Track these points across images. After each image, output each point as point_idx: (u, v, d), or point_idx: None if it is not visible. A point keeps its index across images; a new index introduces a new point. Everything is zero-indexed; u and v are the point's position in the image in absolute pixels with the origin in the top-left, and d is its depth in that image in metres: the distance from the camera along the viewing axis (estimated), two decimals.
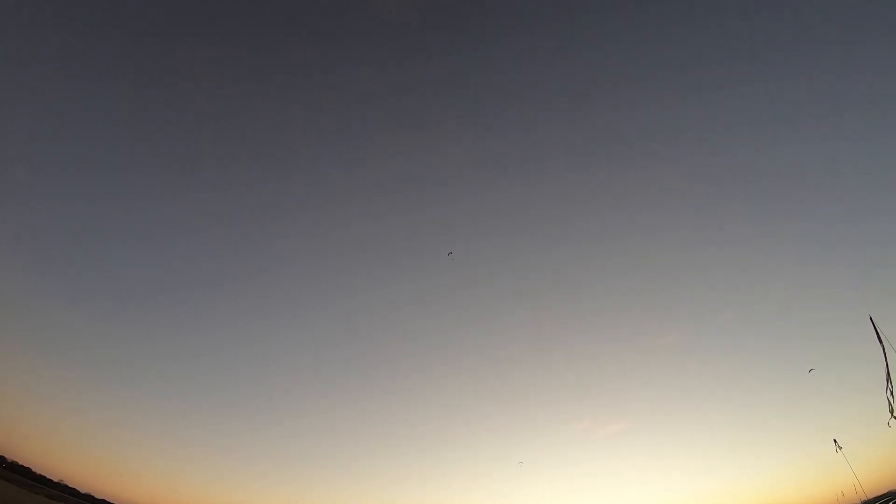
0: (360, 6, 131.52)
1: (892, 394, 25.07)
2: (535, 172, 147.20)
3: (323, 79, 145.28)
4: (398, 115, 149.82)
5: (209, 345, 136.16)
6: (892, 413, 26.07)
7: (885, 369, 24.63)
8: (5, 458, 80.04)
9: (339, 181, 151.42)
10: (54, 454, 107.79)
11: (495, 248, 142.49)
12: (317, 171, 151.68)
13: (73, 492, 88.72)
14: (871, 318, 28.93)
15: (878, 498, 62.95)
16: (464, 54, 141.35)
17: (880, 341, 25.33)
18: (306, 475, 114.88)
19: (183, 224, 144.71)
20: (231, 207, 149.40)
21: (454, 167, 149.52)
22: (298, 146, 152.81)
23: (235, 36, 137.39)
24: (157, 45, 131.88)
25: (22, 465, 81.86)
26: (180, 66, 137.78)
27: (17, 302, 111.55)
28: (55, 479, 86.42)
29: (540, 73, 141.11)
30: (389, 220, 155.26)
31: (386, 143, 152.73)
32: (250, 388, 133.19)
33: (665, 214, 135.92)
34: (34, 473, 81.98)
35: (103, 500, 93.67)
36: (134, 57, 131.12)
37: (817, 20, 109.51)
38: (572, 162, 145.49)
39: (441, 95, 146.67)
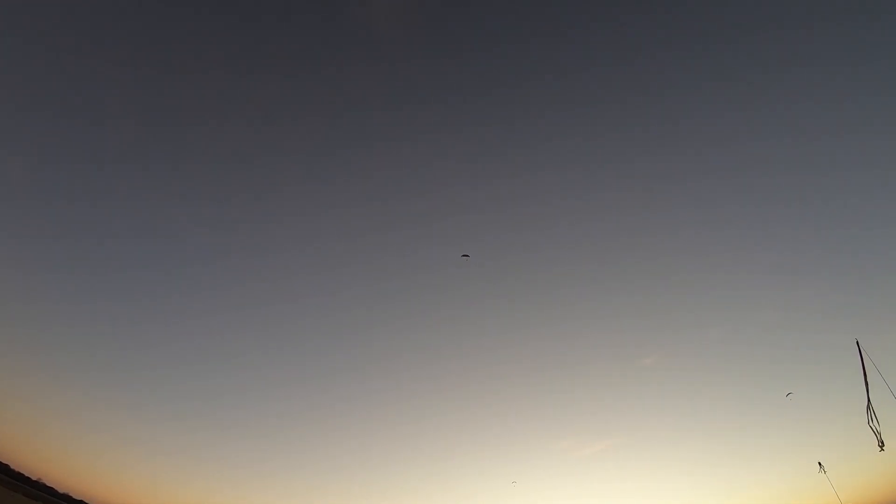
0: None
1: (875, 422, 25.14)
2: (513, 191, 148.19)
3: (321, 79, 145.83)
4: (395, 116, 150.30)
5: (198, 343, 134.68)
6: (879, 442, 26.15)
7: (866, 397, 24.79)
8: None
9: (337, 180, 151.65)
10: (34, 452, 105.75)
11: (480, 267, 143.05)
12: (315, 170, 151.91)
13: (51, 491, 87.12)
14: (857, 342, 29.20)
15: None
16: (465, 56, 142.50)
17: (863, 367, 25.57)
18: (281, 493, 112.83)
19: (178, 222, 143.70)
20: (227, 207, 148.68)
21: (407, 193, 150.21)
22: (296, 146, 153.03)
23: (234, 35, 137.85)
24: (156, 42, 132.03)
25: (1, 462, 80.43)
26: (181, 64, 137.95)
27: None
28: (34, 478, 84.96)
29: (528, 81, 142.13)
30: (379, 229, 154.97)
31: (389, 145, 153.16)
32: (238, 390, 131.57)
33: (650, 234, 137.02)
34: (13, 471, 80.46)
35: (81, 501, 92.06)
36: (131, 54, 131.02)
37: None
38: (551, 181, 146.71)
39: (439, 99, 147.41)
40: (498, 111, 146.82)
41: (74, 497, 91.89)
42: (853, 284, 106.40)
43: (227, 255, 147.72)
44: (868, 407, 24.79)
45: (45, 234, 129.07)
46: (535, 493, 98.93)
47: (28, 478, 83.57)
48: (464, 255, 74.26)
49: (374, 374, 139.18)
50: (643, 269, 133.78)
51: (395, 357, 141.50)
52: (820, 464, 45.43)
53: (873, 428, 25.51)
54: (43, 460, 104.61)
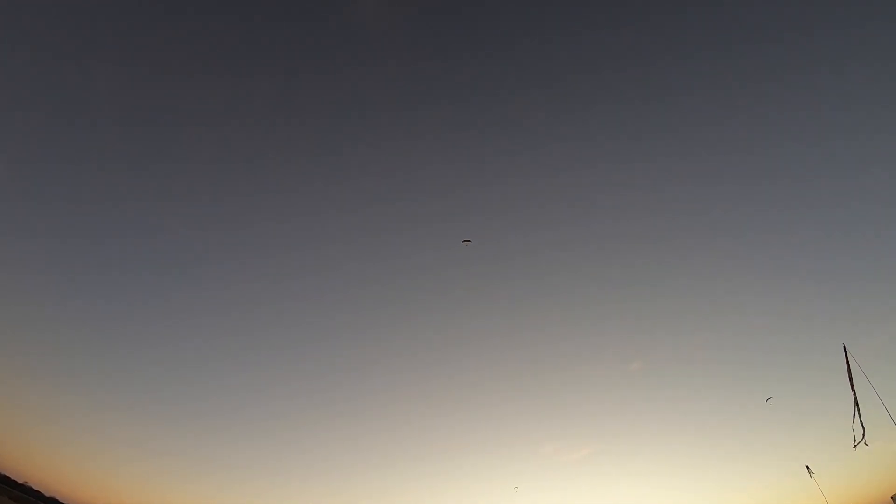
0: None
1: (860, 423, 25.69)
2: (500, 198, 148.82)
3: (318, 80, 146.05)
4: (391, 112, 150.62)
5: (193, 343, 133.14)
6: (861, 438, 26.71)
7: (853, 401, 25.37)
8: None
9: (334, 180, 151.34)
10: (20, 455, 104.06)
11: (469, 269, 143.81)
12: (311, 170, 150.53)
13: (37, 494, 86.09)
14: (844, 347, 29.77)
15: None
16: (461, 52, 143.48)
17: (849, 371, 26.11)
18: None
19: (172, 222, 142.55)
20: (221, 207, 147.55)
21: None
22: (292, 146, 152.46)
23: (227, 33, 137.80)
24: (152, 39, 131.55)
25: None
26: (176, 64, 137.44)
27: None
28: (20, 481, 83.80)
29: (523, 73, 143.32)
30: (375, 233, 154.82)
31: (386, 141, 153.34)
32: (234, 391, 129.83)
33: (637, 239, 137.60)
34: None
35: None
36: (125, 50, 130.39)
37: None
38: (538, 188, 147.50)
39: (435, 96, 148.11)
40: (488, 115, 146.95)
41: (61, 501, 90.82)
42: (840, 289, 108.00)
43: (223, 255, 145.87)
44: (855, 410, 25.35)
45: (35, 235, 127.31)
46: (520, 498, 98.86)
47: (14, 481, 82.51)
48: (465, 241, 72.99)
49: (361, 375, 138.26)
50: (629, 274, 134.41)
51: (379, 359, 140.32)
52: (808, 467, 46.17)
53: (860, 424, 26.04)
54: (29, 463, 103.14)
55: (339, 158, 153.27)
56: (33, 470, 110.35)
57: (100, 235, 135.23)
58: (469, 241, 76.80)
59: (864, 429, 25.72)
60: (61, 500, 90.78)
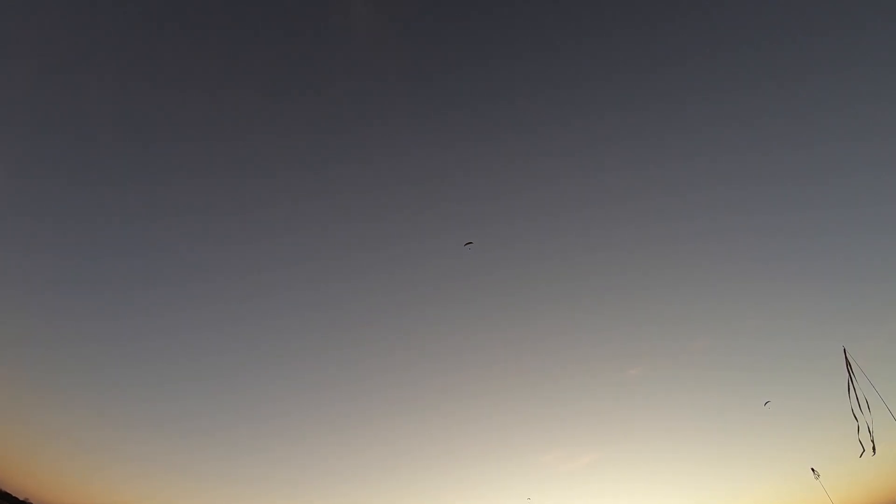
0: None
1: (868, 430, 25.53)
2: (499, 205, 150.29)
3: (313, 89, 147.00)
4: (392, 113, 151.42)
5: (193, 356, 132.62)
6: (870, 447, 26.60)
7: (853, 402, 25.26)
8: None
9: (328, 190, 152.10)
10: (21, 471, 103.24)
11: (468, 275, 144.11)
12: (311, 166, 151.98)
13: None
14: (844, 350, 29.80)
15: None
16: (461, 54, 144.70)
17: (849, 374, 26.03)
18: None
19: (169, 233, 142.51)
20: (218, 217, 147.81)
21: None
22: (285, 157, 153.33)
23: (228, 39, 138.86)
24: (150, 44, 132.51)
25: None
26: (174, 65, 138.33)
27: None
28: (20, 498, 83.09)
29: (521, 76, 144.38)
30: (375, 243, 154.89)
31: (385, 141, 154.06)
32: (238, 401, 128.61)
33: (635, 245, 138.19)
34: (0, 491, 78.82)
35: None
36: (123, 55, 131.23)
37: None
38: (536, 195, 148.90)
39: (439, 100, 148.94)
40: (488, 120, 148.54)
41: None
42: (839, 292, 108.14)
43: (223, 267, 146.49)
44: (856, 415, 25.20)
45: (31, 248, 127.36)
46: None
47: (15, 497, 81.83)
48: (467, 244, 74.69)
49: (363, 387, 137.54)
50: (628, 280, 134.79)
51: (381, 370, 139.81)
52: (813, 469, 46.13)
53: (867, 433, 25.85)
54: (30, 479, 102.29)
55: (337, 165, 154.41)
56: (34, 486, 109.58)
57: (96, 247, 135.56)
58: (471, 242, 78.56)
59: (871, 435, 25.52)
60: None
